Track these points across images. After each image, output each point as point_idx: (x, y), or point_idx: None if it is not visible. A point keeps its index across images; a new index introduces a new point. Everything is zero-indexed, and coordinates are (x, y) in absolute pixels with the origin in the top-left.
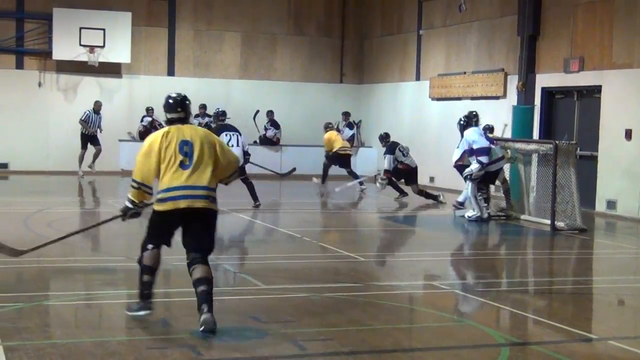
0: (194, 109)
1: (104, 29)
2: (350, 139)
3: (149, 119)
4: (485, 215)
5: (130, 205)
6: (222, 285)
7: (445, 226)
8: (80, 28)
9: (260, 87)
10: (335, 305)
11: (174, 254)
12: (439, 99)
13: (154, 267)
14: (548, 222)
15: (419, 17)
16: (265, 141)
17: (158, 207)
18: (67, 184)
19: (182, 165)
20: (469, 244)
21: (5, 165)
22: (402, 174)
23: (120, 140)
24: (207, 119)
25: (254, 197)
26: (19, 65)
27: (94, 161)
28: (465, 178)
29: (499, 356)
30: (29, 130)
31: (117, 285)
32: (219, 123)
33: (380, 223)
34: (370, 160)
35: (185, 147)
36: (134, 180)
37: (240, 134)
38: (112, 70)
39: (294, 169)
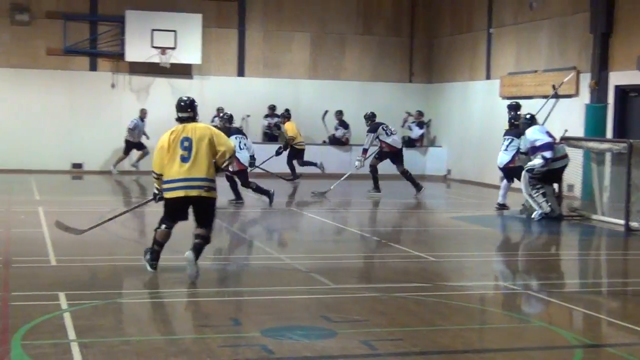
0: (264, 110)
1: (175, 31)
2: (420, 138)
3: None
4: (548, 209)
5: (156, 192)
6: (293, 284)
7: (517, 226)
8: (152, 30)
9: (329, 87)
10: (405, 306)
11: (246, 253)
12: (509, 98)
13: (162, 242)
14: (622, 222)
15: (489, 15)
16: (334, 141)
17: (166, 195)
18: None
19: (183, 158)
20: (539, 244)
21: (79, 166)
22: (387, 155)
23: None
24: (275, 119)
25: (236, 194)
26: (93, 67)
27: (138, 161)
28: (527, 171)
29: (572, 358)
30: (103, 130)
31: (188, 284)
32: (226, 126)
33: (450, 222)
34: (440, 159)
35: (186, 143)
36: (153, 172)
37: (247, 138)
38: (183, 71)
39: (300, 175)
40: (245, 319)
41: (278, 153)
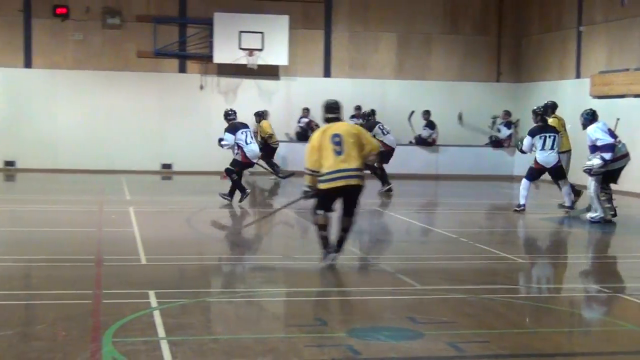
0: (350, 110)
1: (262, 33)
2: (508, 138)
3: (306, 119)
4: (609, 216)
5: (307, 189)
6: (379, 285)
7: (606, 228)
8: (240, 32)
9: (415, 87)
10: (493, 307)
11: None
12: (600, 97)
13: (326, 224)
14: None
15: (578, 12)
16: (421, 142)
17: (322, 186)
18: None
19: (337, 152)
20: (629, 246)
21: (169, 166)
22: (382, 153)
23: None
24: (359, 120)
25: (230, 193)
26: (182, 69)
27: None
28: (584, 172)
29: None
30: (191, 132)
31: (275, 283)
32: (232, 122)
33: (538, 224)
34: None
35: (337, 138)
36: (306, 169)
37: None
38: (270, 72)
39: (293, 173)
40: (331, 319)
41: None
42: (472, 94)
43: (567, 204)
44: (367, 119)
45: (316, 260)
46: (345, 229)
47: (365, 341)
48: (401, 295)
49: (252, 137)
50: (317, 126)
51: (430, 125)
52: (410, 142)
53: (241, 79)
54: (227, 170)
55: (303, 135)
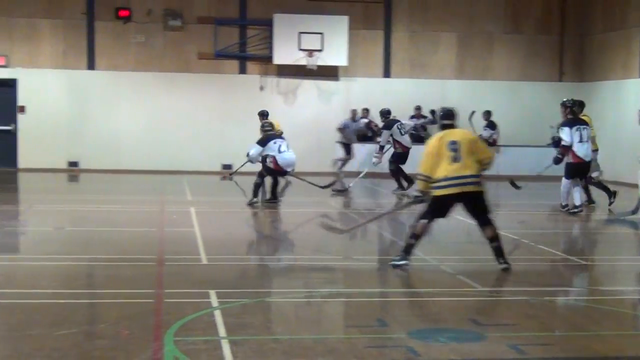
0: (410, 111)
1: (322, 33)
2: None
3: (365, 120)
4: None
5: (418, 194)
6: (440, 286)
7: None
8: (300, 33)
9: (476, 87)
10: (556, 310)
11: (391, 254)
12: None
13: (421, 235)
14: None
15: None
16: None
17: (437, 193)
18: (294, 185)
19: (453, 159)
20: None
21: (229, 167)
22: (400, 155)
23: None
24: (422, 120)
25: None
26: (242, 70)
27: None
28: None
29: None
30: (251, 132)
31: (335, 284)
32: (267, 134)
33: (600, 225)
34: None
35: (453, 145)
36: (420, 174)
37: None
38: (329, 73)
39: (334, 182)
40: (391, 320)
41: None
42: (534, 94)
43: (579, 202)
44: (386, 117)
45: (375, 261)
46: (492, 239)
47: (426, 343)
48: (462, 297)
49: (287, 147)
50: (377, 126)
51: (491, 125)
52: None
53: (301, 80)
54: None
55: (362, 136)
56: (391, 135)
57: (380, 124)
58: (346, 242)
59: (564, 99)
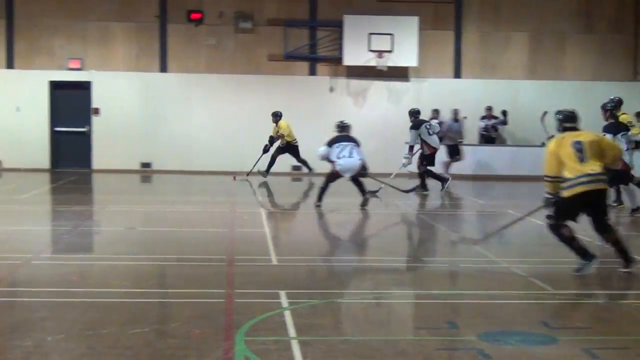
0: (480, 111)
1: (392, 34)
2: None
3: (436, 121)
4: None
5: (548, 196)
6: (511, 289)
7: None
8: (369, 34)
9: (548, 87)
10: (630, 313)
11: (462, 255)
12: None
13: (572, 235)
14: None
15: None
16: None
17: (567, 193)
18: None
19: (580, 158)
20: None
21: (298, 168)
22: (428, 157)
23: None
24: (493, 121)
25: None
26: (312, 72)
27: (447, 167)
28: None
29: None
30: (321, 134)
31: (405, 285)
32: (337, 135)
33: None
34: None
35: (578, 145)
36: (547, 176)
37: (358, 145)
38: (399, 74)
39: (417, 187)
40: (461, 323)
41: (265, 150)
42: (607, 94)
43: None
44: (415, 117)
45: (444, 263)
46: (614, 243)
47: (497, 345)
48: (534, 300)
49: (351, 151)
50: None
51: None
52: (542, 144)
53: (371, 81)
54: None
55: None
56: (419, 135)
57: (434, 124)
58: (414, 244)
59: (606, 102)
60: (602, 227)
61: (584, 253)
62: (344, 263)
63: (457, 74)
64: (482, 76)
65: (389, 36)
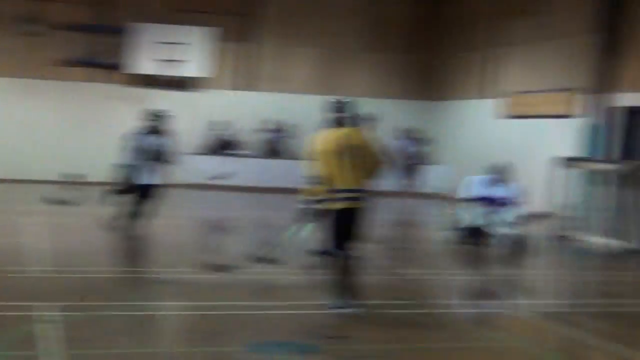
0: (272, 124)
1: (184, 44)
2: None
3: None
4: None
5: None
6: (279, 300)
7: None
8: (158, 42)
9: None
10: (389, 323)
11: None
12: (518, 117)
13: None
14: (619, 242)
15: (497, 34)
16: None
17: (329, 206)
18: None
19: (346, 167)
20: (534, 263)
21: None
22: None
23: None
24: (281, 134)
25: None
26: (95, 79)
27: None
28: None
29: None
30: (101, 141)
31: (171, 297)
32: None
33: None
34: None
35: (347, 150)
36: (312, 178)
37: None
38: (191, 85)
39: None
40: (229, 334)
41: None
42: (399, 111)
43: None
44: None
45: (216, 274)
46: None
47: (263, 356)
48: (301, 310)
49: None
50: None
51: None
52: None
53: (158, 91)
54: None
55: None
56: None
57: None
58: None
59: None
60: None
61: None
62: (106, 274)
63: (251, 87)
64: (275, 90)
65: (180, 46)
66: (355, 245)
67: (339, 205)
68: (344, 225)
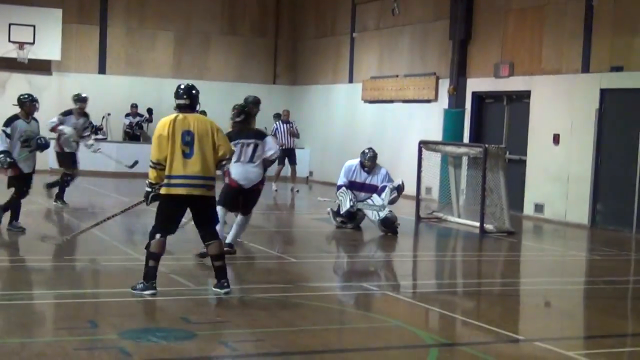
0: (125, 108)
1: (34, 26)
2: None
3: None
4: None
5: (149, 189)
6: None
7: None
8: (10, 24)
9: None
10: (267, 306)
11: (110, 254)
12: (371, 102)
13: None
14: (477, 224)
15: (352, 19)
16: None
17: (163, 191)
18: None
19: (184, 154)
20: (402, 246)
21: None
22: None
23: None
24: (137, 118)
25: None
26: None
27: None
28: None
29: (427, 356)
30: None
31: (44, 285)
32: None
33: (310, 223)
34: (303, 160)
35: (187, 137)
36: (151, 161)
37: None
38: (41, 67)
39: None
40: (102, 321)
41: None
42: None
43: None
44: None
45: (86, 261)
46: (215, 257)
47: (137, 343)
48: (175, 296)
49: None
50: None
51: None
52: None
53: (10, 73)
54: None
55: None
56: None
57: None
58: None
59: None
60: (209, 238)
61: (152, 277)
62: None
63: (102, 70)
64: (128, 73)
65: (30, 27)
66: (215, 229)
67: (172, 191)
68: (174, 210)
